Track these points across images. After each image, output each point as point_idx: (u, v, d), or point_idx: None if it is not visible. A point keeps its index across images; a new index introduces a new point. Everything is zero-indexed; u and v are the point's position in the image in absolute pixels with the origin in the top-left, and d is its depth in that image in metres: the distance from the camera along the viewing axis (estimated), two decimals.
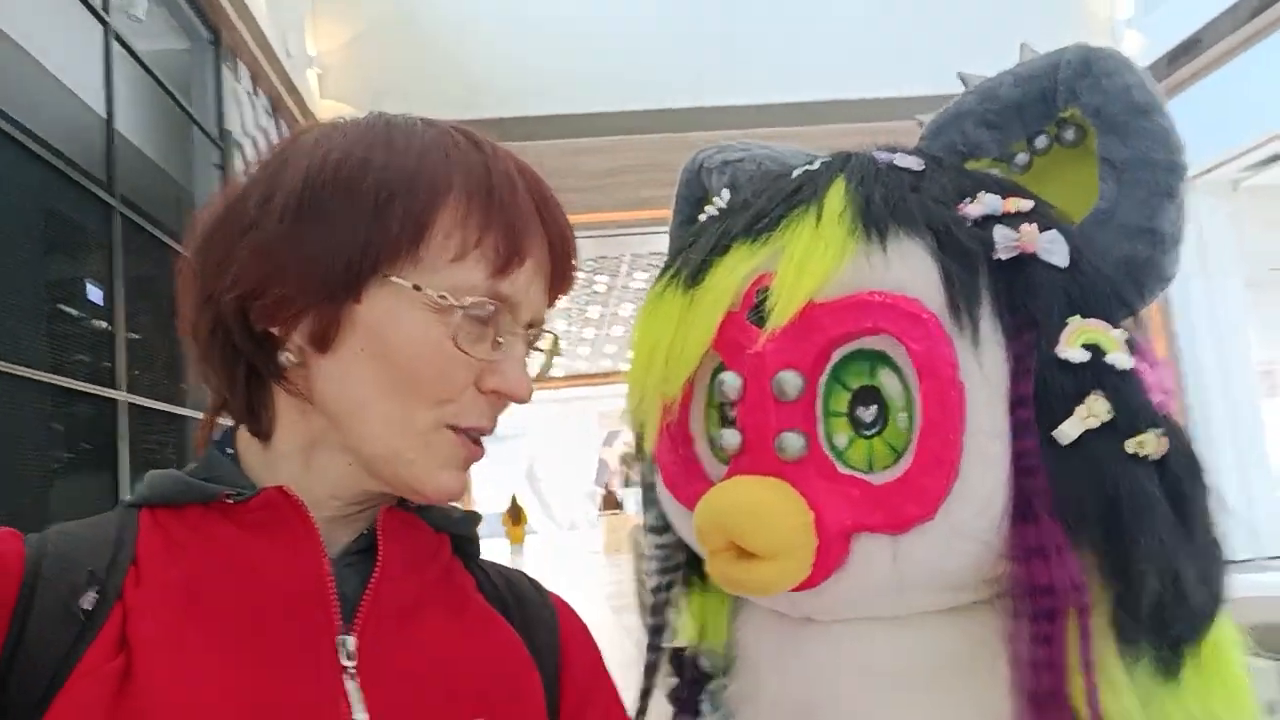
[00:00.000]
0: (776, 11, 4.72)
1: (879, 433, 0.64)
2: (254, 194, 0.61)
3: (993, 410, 0.60)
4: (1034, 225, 0.61)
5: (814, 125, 4.43)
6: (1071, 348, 0.59)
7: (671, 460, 0.74)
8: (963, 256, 0.61)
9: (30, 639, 0.53)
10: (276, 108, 3.91)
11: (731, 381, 0.66)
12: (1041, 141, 0.69)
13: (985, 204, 0.63)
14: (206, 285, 0.61)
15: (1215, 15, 4.16)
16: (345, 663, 0.57)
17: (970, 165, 0.71)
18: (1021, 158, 0.70)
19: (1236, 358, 4.86)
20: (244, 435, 0.65)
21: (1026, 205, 0.63)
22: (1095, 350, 0.59)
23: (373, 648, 0.59)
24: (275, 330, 0.60)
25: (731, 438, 0.66)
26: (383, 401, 0.59)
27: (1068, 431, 0.58)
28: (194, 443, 0.71)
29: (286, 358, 0.60)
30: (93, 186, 2.71)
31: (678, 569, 0.83)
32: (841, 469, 0.64)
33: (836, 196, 0.65)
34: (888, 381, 0.63)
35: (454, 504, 0.70)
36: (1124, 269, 0.65)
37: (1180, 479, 0.60)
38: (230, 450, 0.65)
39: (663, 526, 0.81)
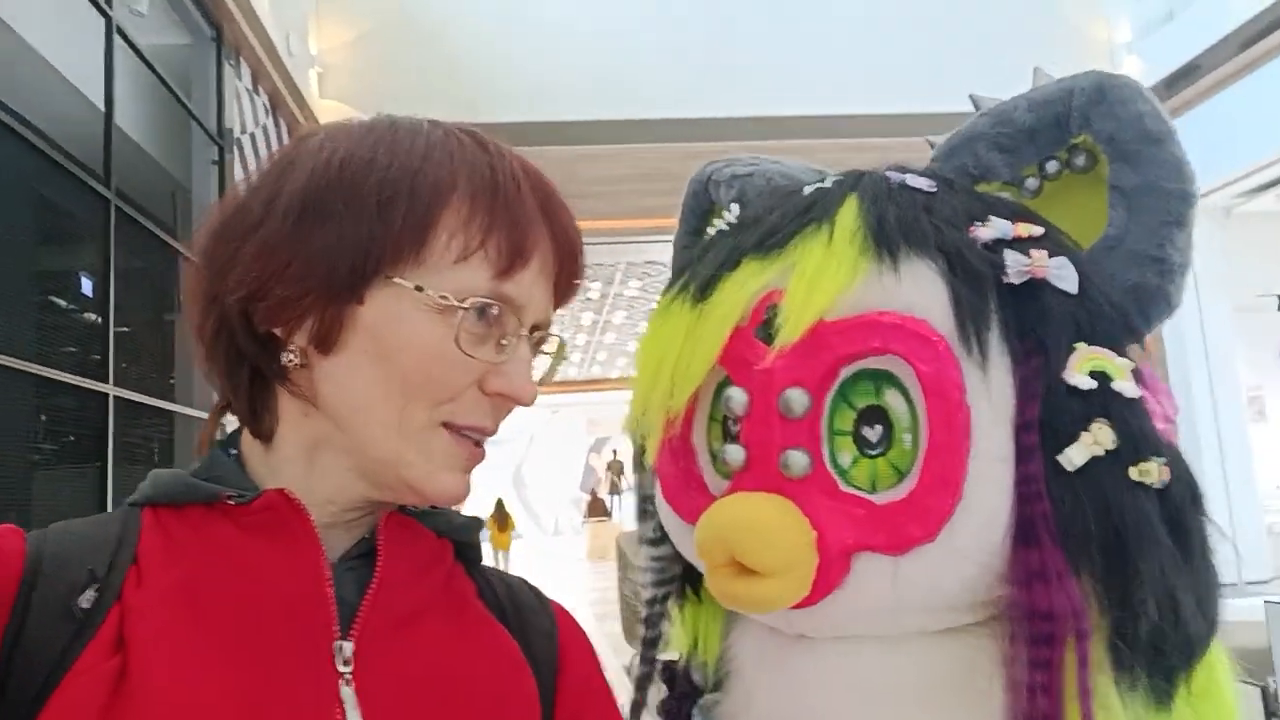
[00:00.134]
0: (776, 26, 4.74)
1: (883, 453, 0.64)
2: (259, 195, 0.61)
3: (998, 434, 0.61)
4: (1044, 251, 0.62)
5: (812, 139, 4.45)
6: (1079, 374, 0.59)
7: (672, 473, 0.74)
8: (973, 280, 0.62)
9: (28, 637, 0.53)
10: (276, 106, 3.90)
11: (738, 397, 0.66)
12: (1053, 167, 0.70)
13: (996, 228, 0.63)
14: (211, 286, 0.61)
15: (1212, 43, 4.20)
16: (341, 668, 0.57)
17: (981, 188, 0.71)
18: (1032, 182, 0.71)
19: (1225, 383, 4.89)
20: (248, 436, 0.64)
21: (1037, 231, 0.64)
22: (1102, 377, 0.59)
23: (369, 654, 0.58)
24: (278, 331, 0.60)
25: (735, 453, 0.66)
26: (385, 403, 0.58)
27: (1073, 458, 0.58)
28: (196, 440, 0.70)
29: (289, 359, 0.60)
30: (89, 180, 2.69)
31: (673, 581, 0.83)
32: (844, 488, 0.64)
33: (849, 215, 0.65)
34: (894, 402, 0.63)
35: (454, 509, 0.70)
36: (1132, 296, 0.65)
37: (1180, 508, 0.60)
38: (234, 451, 0.65)
39: (659, 538, 0.81)
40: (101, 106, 2.81)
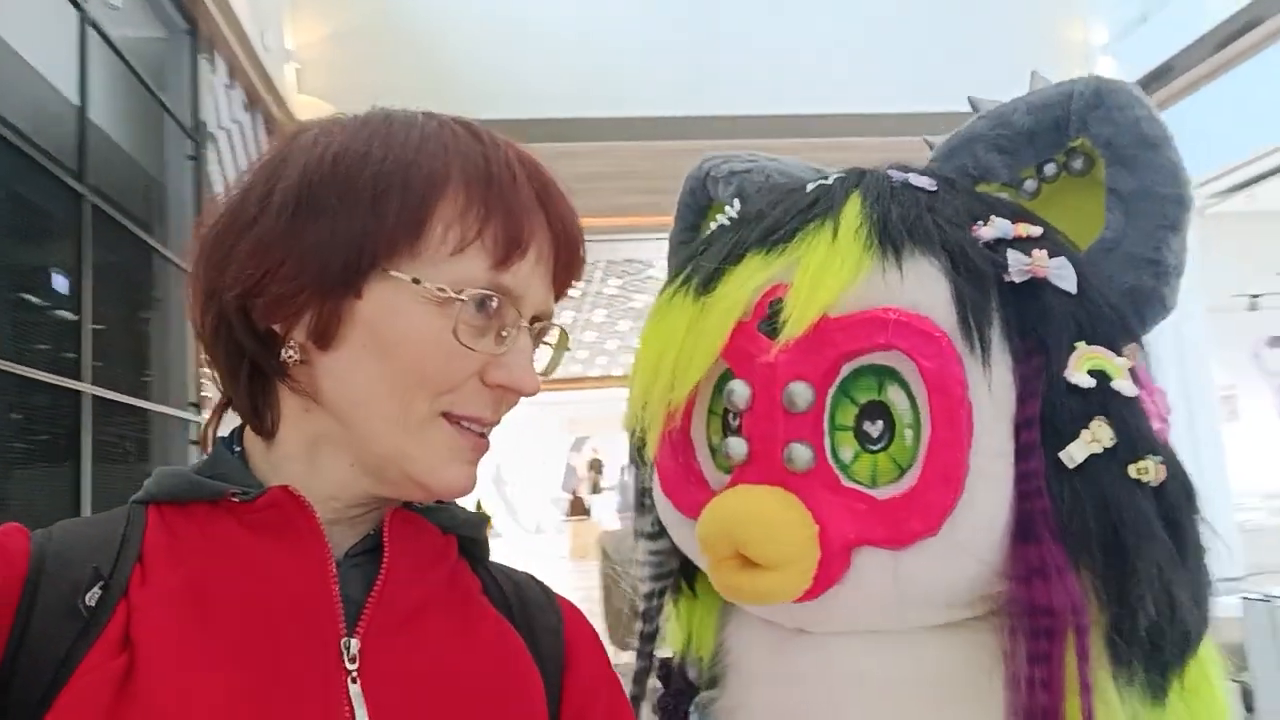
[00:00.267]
0: (756, 25, 4.75)
1: (884, 448, 0.64)
2: (254, 192, 0.60)
3: (998, 430, 0.61)
4: (1044, 251, 0.63)
5: (792, 138, 4.46)
6: (1079, 372, 0.60)
7: (671, 467, 0.74)
8: (975, 278, 0.62)
9: (33, 636, 0.52)
10: (253, 101, 3.86)
11: (740, 390, 0.66)
12: (1050, 169, 0.71)
13: (997, 227, 0.64)
14: (210, 284, 0.60)
15: (1186, 44, 4.24)
16: (348, 666, 0.56)
17: (980, 189, 0.72)
18: (1030, 184, 0.72)
19: (1198, 383, 4.95)
20: (250, 433, 0.64)
21: (1036, 231, 0.65)
22: (1101, 376, 0.60)
23: (375, 651, 0.58)
24: (277, 328, 0.59)
25: (738, 446, 0.66)
26: (386, 398, 0.58)
27: (1074, 454, 0.59)
28: (200, 439, 0.69)
29: (289, 355, 0.59)
30: (63, 174, 2.65)
31: (670, 575, 0.83)
32: (845, 482, 0.65)
33: (853, 212, 0.66)
34: (896, 398, 0.64)
35: (459, 503, 0.69)
36: (1128, 298, 0.66)
37: (1176, 506, 0.61)
38: (238, 448, 0.64)
39: (657, 532, 0.81)
40: (75, 101, 2.76)
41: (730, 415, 0.71)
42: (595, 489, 16.12)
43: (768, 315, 0.66)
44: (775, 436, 0.65)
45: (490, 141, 0.62)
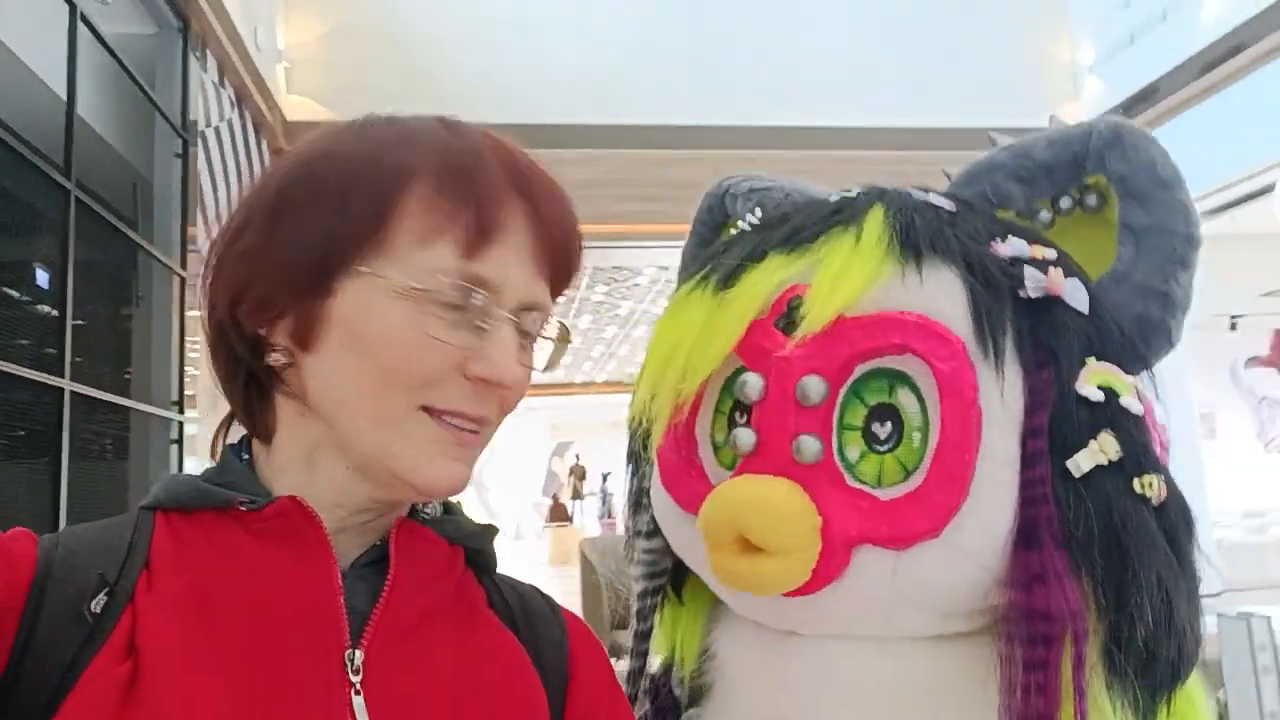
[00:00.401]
0: (750, 35, 4.77)
1: (891, 449, 0.65)
2: (245, 201, 0.61)
3: (1006, 438, 0.62)
4: (1059, 270, 0.64)
5: (782, 150, 4.48)
6: (1090, 386, 0.61)
7: (674, 460, 0.74)
8: (993, 289, 0.64)
9: (39, 641, 0.52)
10: (242, 100, 3.84)
11: (753, 382, 0.67)
12: (1065, 202, 0.74)
13: (1014, 246, 0.66)
14: (209, 293, 0.61)
15: (1173, 66, 4.30)
16: (352, 677, 0.56)
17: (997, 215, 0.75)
18: (1045, 215, 0.74)
19: (1177, 400, 4.99)
20: (257, 441, 0.64)
21: (1051, 254, 0.67)
22: (1110, 392, 0.61)
23: (379, 663, 0.57)
24: (262, 331, 0.59)
25: (746, 437, 0.67)
26: (366, 395, 0.57)
27: (1080, 463, 0.60)
28: (211, 445, 0.68)
29: (275, 358, 0.59)
30: (49, 169, 2.63)
31: (664, 574, 0.84)
32: (850, 481, 0.65)
33: (876, 219, 0.68)
34: (906, 401, 0.65)
35: (463, 509, 0.69)
36: (1135, 327, 0.68)
37: (1175, 526, 0.63)
38: (246, 456, 0.63)
39: (653, 531, 0.81)
40: (63, 95, 2.74)
41: (737, 413, 0.71)
42: (576, 494, 16.10)
43: (785, 312, 0.68)
44: (785, 428, 0.65)
45: (459, 132, 0.61)
